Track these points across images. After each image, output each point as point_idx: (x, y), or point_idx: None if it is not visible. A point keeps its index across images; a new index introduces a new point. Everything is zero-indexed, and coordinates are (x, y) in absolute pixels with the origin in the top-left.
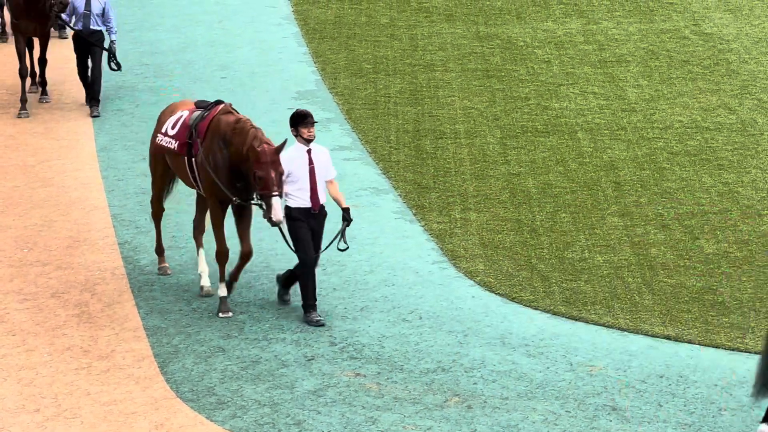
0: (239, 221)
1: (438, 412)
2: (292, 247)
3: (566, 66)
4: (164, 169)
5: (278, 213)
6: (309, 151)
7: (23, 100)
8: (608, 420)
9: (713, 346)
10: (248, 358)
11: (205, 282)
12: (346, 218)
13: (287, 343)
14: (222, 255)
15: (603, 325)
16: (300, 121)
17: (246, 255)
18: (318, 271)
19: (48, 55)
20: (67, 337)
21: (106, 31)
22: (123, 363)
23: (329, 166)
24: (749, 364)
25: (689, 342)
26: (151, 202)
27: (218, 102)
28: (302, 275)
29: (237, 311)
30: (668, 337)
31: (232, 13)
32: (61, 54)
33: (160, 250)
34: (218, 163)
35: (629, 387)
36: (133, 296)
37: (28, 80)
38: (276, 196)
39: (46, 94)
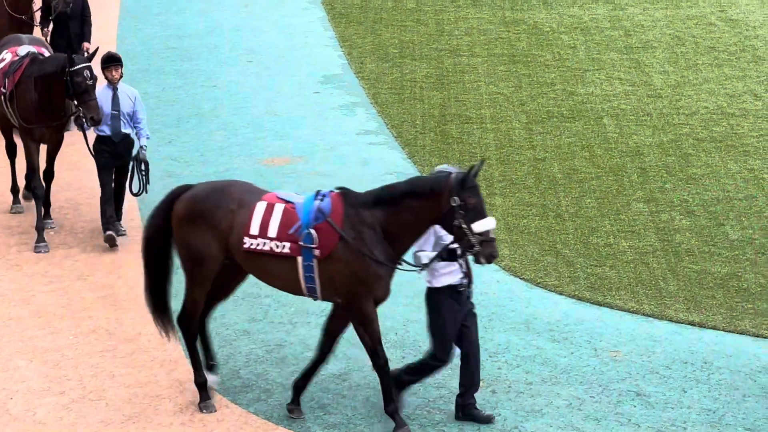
0: None
1: None
2: None
3: (592, 51)
4: None
5: None
6: None
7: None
8: (632, 405)
9: (738, 333)
10: (273, 341)
11: None
12: None
13: (312, 326)
14: None
15: (627, 310)
16: None
17: None
18: None
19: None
20: (92, 319)
21: (135, 134)
22: (148, 346)
23: None
24: None
25: (714, 328)
26: None
27: None
28: None
29: (262, 295)
30: (693, 323)
31: None
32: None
33: None
34: None
35: (653, 373)
36: None
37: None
38: None
39: (50, 218)
